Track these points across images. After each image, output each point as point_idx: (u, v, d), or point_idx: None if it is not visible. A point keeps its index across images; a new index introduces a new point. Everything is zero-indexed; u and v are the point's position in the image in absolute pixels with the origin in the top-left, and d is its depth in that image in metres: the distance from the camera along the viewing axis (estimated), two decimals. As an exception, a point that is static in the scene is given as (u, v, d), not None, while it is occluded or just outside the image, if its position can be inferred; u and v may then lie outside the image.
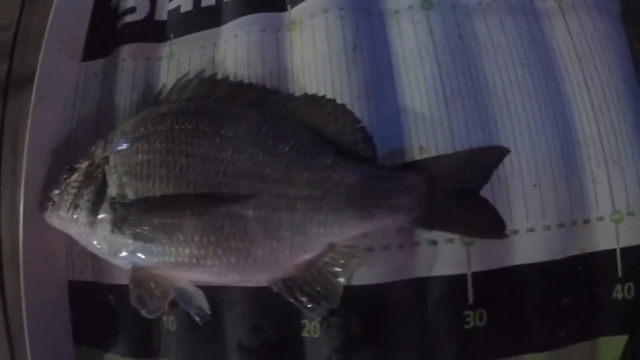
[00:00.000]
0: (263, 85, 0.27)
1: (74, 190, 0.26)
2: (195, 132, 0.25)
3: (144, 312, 0.24)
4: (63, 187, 0.27)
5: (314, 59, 0.27)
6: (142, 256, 0.24)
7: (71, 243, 0.31)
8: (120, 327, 0.29)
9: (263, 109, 0.26)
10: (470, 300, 0.25)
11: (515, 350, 0.25)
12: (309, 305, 0.23)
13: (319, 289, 0.23)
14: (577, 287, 0.25)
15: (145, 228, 0.24)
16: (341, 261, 0.23)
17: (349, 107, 0.25)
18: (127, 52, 0.31)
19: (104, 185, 0.25)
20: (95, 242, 0.26)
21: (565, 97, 0.26)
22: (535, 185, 0.25)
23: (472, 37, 0.26)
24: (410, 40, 0.27)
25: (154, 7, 0.32)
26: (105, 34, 0.33)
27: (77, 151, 0.31)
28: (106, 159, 0.26)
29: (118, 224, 0.25)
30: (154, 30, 0.32)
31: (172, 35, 0.31)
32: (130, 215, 0.24)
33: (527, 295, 0.25)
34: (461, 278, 0.25)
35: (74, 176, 0.27)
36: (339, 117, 0.25)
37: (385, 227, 0.24)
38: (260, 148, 0.24)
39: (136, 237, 0.24)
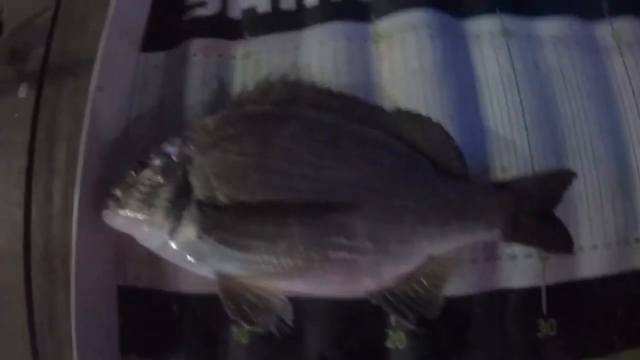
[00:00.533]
0: (352, 95, 0.27)
1: (147, 189, 0.24)
2: (295, 138, 0.24)
3: (247, 326, 0.22)
4: (131, 183, 0.25)
5: (404, 73, 0.27)
6: (234, 265, 0.23)
7: (125, 245, 0.29)
8: (181, 337, 0.27)
9: (354, 119, 0.26)
10: (544, 310, 0.26)
11: (578, 356, 0.27)
12: (408, 317, 0.23)
13: (419, 300, 0.24)
14: (630, 298, 0.28)
15: (242, 235, 0.23)
16: (441, 273, 0.24)
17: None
18: (197, 47, 0.30)
19: (186, 185, 0.24)
20: (173, 247, 0.24)
21: (623, 127, 0.29)
22: (597, 207, 0.28)
23: (546, 68, 0.29)
24: (492, 65, 0.28)
25: (226, 3, 0.31)
26: (170, 25, 0.31)
27: (135, 145, 0.29)
28: (188, 158, 0.24)
29: (208, 230, 0.23)
30: (227, 27, 0.30)
31: (247, 34, 0.30)
32: (224, 220, 0.23)
33: (590, 305, 0.27)
34: (536, 290, 0.27)
35: (146, 173, 0.25)
36: (434, 134, 0.26)
37: (477, 241, 0.25)
38: (364, 158, 0.24)
39: (229, 244, 0.23)
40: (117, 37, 0.29)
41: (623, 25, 0.31)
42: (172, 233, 0.24)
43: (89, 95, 0.28)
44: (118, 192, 0.25)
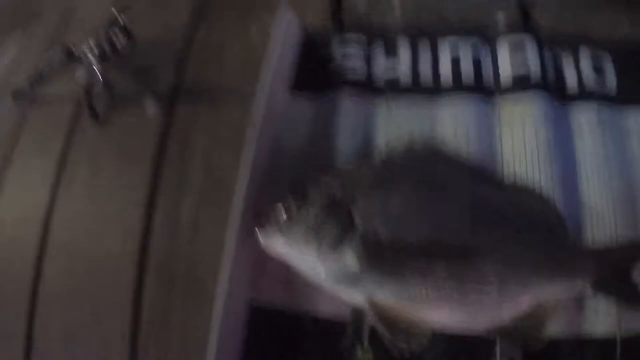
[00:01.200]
0: (479, 163, 0.33)
1: (313, 222, 0.29)
2: (447, 187, 0.30)
3: (404, 349, 0.27)
4: (294, 214, 0.30)
5: (523, 151, 0.34)
6: (387, 291, 0.28)
7: (261, 265, 0.33)
8: (308, 356, 0.32)
9: (480, 181, 0.32)
10: (618, 357, 0.32)
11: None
12: (515, 353, 0.29)
13: (526, 337, 0.29)
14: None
15: (398, 267, 0.28)
16: (545, 316, 0.29)
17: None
18: (347, 99, 0.36)
19: (350, 221, 0.29)
20: (330, 273, 0.29)
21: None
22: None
23: (631, 154, 0.35)
24: (589, 149, 0.35)
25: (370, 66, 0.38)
26: (319, 75, 0.37)
27: (282, 174, 0.34)
28: (353, 198, 0.30)
29: (370, 260, 0.28)
30: (371, 87, 0.37)
31: (389, 95, 0.37)
32: (385, 253, 0.28)
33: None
34: (613, 338, 0.32)
35: (312, 208, 0.30)
36: (545, 204, 0.32)
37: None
38: (496, 214, 0.30)
39: (386, 274, 0.28)
40: (274, 79, 0.35)
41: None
42: (333, 262, 0.28)
43: (251, 125, 0.33)
44: (281, 218, 0.30)
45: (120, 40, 0.48)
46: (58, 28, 0.60)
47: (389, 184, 0.30)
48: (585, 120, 0.36)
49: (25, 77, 0.54)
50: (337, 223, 0.29)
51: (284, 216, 0.30)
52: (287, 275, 0.32)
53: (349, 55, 0.38)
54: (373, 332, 0.30)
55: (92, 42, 0.47)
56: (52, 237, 0.44)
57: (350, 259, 0.28)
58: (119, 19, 0.47)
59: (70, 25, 0.61)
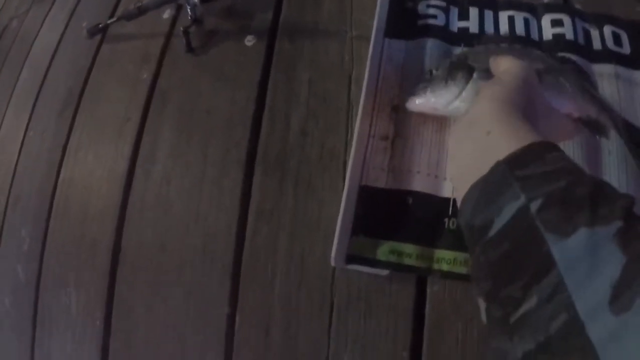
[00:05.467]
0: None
1: (445, 74, 0.41)
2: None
3: None
4: (429, 80, 0.42)
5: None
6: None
7: (368, 157, 0.43)
8: (410, 223, 0.41)
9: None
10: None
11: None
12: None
13: None
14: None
15: None
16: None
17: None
18: (431, 41, 0.48)
19: (469, 66, 0.41)
20: (461, 102, 0.40)
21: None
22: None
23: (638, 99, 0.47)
24: (607, 91, 0.46)
25: (448, 20, 0.49)
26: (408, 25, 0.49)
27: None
28: (464, 55, 0.43)
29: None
30: (449, 34, 0.48)
31: (462, 44, 0.48)
32: None
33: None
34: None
35: (440, 71, 0.42)
36: None
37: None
38: None
39: None
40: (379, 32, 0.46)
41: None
42: (465, 88, 0.40)
43: (367, 72, 0.45)
44: (422, 84, 0.42)
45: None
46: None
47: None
48: (605, 70, 0.47)
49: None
50: (461, 70, 0.40)
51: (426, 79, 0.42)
52: (389, 164, 0.42)
53: (432, 15, 0.50)
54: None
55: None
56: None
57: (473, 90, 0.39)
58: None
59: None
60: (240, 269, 0.45)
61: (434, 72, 0.42)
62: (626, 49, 0.50)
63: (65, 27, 0.69)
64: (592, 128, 0.41)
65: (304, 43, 0.52)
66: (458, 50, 0.48)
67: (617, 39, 0.50)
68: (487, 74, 0.38)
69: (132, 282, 0.49)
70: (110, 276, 0.49)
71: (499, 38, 0.48)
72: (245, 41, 0.55)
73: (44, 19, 0.75)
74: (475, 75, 0.40)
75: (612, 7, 0.52)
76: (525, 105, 0.31)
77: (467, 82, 0.40)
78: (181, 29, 0.55)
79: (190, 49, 0.56)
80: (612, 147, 0.43)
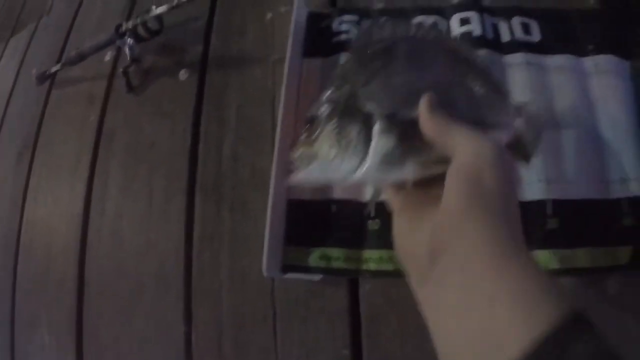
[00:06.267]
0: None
1: (332, 129, 0.29)
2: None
3: None
4: (312, 136, 0.30)
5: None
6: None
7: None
8: (334, 229, 0.44)
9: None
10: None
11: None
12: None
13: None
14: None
15: None
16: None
17: None
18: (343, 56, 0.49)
19: (366, 113, 0.28)
20: (371, 165, 0.28)
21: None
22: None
23: (549, 83, 0.49)
24: (519, 78, 0.48)
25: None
26: (323, 42, 0.51)
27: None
28: (353, 94, 0.29)
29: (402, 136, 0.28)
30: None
31: None
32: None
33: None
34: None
35: (323, 121, 0.29)
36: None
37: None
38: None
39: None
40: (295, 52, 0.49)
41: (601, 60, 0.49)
42: (368, 153, 0.27)
43: (283, 90, 0.46)
44: (301, 150, 0.30)
45: (153, 25, 0.59)
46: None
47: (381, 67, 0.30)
48: (515, 60, 0.49)
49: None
50: (354, 120, 0.28)
51: (305, 146, 0.30)
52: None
53: (345, 30, 0.52)
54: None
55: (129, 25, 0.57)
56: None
57: (383, 143, 0.27)
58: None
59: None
60: (191, 290, 0.48)
61: (312, 126, 0.29)
62: (536, 37, 0.52)
63: (17, 75, 0.73)
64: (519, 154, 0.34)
65: (232, 72, 0.55)
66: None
67: (526, 28, 0.52)
68: (394, 122, 0.27)
69: (97, 314, 0.52)
70: (77, 311, 0.53)
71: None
72: (180, 75, 0.58)
73: (-3, 68, 0.79)
74: (377, 126, 0.27)
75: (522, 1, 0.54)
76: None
77: (367, 141, 0.27)
78: (121, 70, 0.59)
79: (130, 89, 0.60)
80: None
